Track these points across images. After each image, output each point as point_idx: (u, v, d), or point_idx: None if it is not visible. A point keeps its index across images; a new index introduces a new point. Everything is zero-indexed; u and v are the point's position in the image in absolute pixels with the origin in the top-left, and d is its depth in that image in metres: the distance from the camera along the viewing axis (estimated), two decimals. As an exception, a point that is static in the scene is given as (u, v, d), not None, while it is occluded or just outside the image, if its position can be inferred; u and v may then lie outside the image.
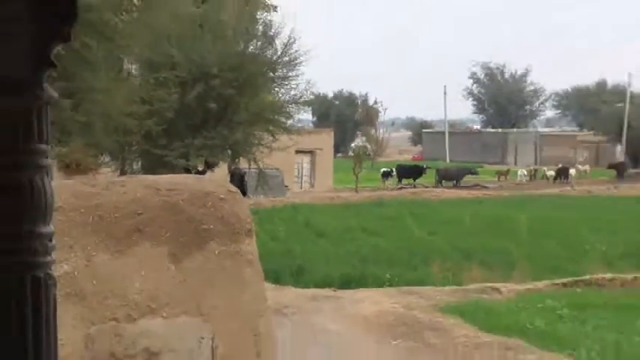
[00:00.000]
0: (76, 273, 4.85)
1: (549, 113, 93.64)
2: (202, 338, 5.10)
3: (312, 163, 45.48)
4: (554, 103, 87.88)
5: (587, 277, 16.23)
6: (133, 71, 26.42)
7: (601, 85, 76.58)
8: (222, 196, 5.38)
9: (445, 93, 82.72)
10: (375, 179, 46.78)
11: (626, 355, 10.72)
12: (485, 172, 51.58)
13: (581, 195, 37.10)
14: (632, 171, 54.17)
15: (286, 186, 37.87)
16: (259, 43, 28.97)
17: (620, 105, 64.16)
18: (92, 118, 19.65)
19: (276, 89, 29.34)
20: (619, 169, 53.19)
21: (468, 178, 47.37)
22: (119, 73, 22.98)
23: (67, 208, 4.89)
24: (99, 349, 4.88)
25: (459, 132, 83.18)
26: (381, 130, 74.79)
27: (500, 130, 79.05)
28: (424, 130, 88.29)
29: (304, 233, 24.02)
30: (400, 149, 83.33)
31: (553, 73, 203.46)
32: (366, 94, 79.21)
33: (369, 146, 54.66)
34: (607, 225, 25.40)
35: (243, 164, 30.17)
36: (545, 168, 53.99)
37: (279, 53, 28.39)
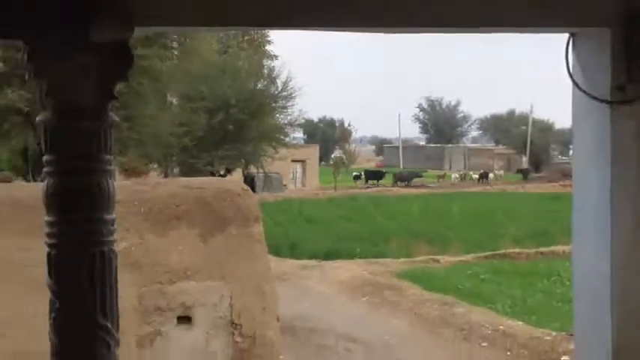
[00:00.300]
0: (132, 248, 4.83)
1: (474, 133, 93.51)
2: (223, 296, 5.09)
3: (304, 169, 45.41)
4: (478, 125, 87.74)
5: (502, 251, 16.26)
6: (174, 102, 26.42)
7: (511, 113, 76.41)
8: (238, 193, 5.36)
9: (399, 118, 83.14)
10: (349, 181, 46.64)
11: (529, 305, 10.78)
12: (429, 176, 51.44)
13: (498, 192, 37.15)
14: (534, 175, 54.23)
15: (284, 185, 37.79)
16: (265, 82, 29.18)
17: (524, 127, 64.48)
18: (144, 136, 19.65)
19: (277, 115, 29.45)
20: (524, 174, 53.33)
21: (417, 180, 47.32)
22: (163, 104, 22.97)
23: (126, 201, 4.87)
24: (148, 304, 4.87)
25: (409, 146, 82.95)
26: (353, 145, 74.56)
27: (439, 145, 79.04)
28: (384, 145, 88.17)
29: (297, 220, 23.96)
30: (367, 159, 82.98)
31: (477, 103, 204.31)
32: (342, 119, 78.99)
33: (344, 157, 54.42)
34: (516, 214, 25.44)
35: (253, 170, 30.23)
36: (471, 172, 53.94)
37: (279, 89, 28.55)
